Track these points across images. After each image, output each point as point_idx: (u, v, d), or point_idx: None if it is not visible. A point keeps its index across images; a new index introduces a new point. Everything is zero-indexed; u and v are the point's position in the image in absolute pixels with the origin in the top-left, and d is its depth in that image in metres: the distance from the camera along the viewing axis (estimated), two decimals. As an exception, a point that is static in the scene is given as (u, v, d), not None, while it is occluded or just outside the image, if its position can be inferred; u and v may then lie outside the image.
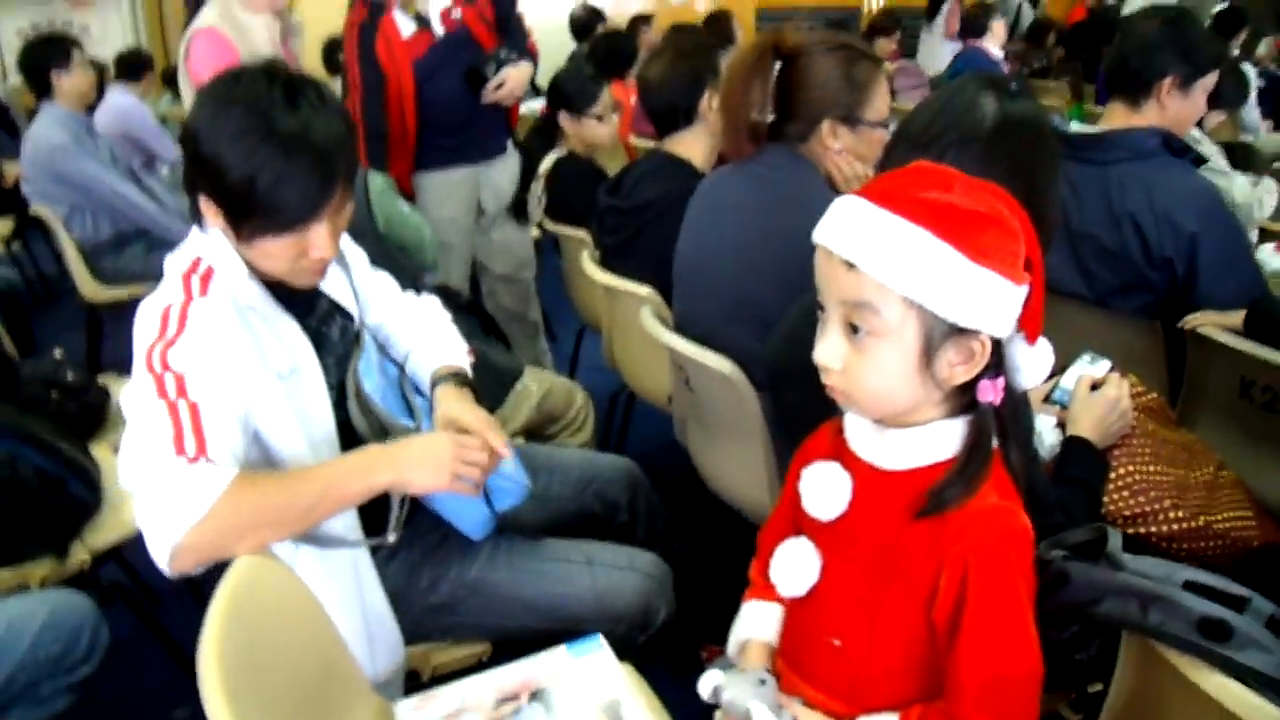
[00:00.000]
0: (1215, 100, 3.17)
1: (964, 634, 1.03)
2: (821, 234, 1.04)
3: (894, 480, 1.08)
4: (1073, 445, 1.56)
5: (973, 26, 5.94)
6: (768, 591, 1.27)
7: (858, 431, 1.12)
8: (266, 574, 1.28)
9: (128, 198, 3.99)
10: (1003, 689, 1.03)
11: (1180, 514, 1.55)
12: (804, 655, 1.18)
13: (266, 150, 1.35)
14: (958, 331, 0.99)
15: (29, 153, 4.06)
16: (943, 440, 1.05)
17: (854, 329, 1.02)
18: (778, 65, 1.88)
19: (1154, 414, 1.71)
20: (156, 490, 1.29)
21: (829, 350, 1.04)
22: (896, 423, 1.07)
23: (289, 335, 1.52)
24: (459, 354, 1.79)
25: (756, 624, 1.27)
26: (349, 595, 1.54)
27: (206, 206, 1.43)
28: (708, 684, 1.17)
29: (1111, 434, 1.59)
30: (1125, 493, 1.56)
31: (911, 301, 0.98)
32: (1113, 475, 1.57)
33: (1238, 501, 1.65)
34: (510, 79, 3.22)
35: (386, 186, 2.46)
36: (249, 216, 1.39)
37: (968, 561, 1.02)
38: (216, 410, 1.35)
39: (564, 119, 3.40)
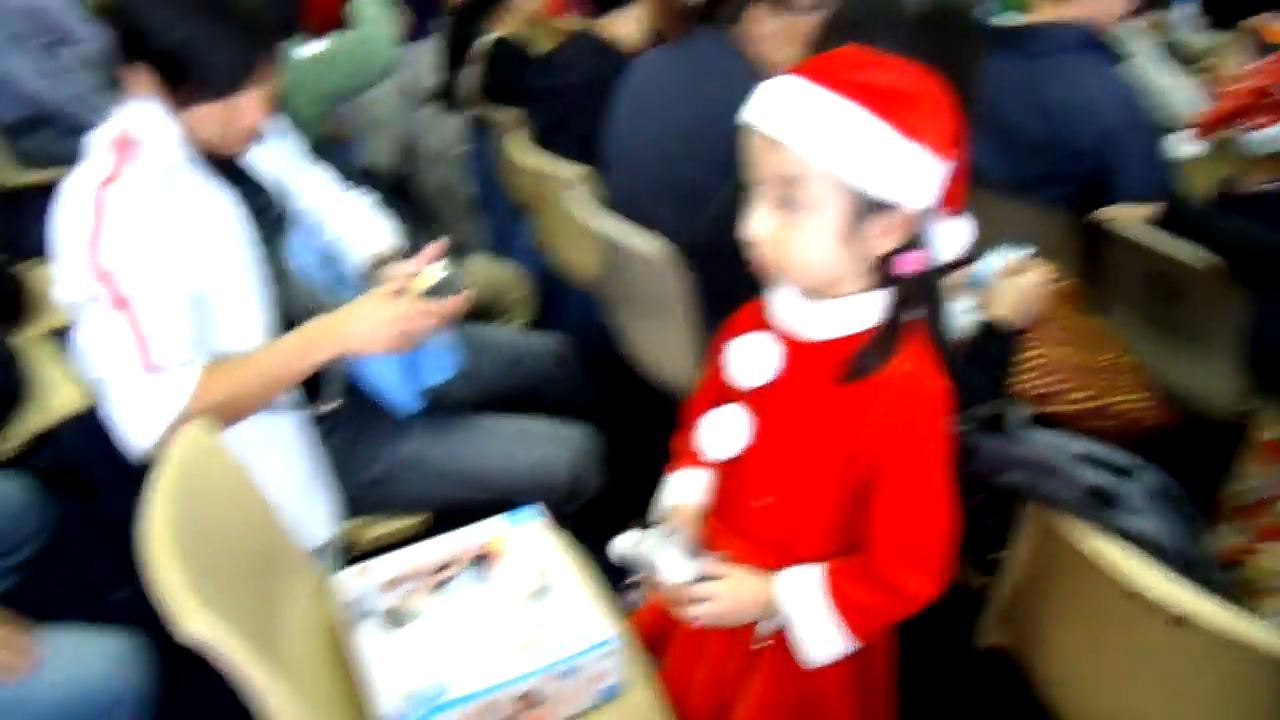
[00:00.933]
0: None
1: (881, 492, 1.09)
2: (751, 113, 1.07)
3: (818, 350, 1.12)
4: (990, 326, 1.62)
5: None
6: (693, 460, 1.33)
7: (782, 303, 1.16)
8: (204, 452, 1.31)
9: (28, 83, 3.81)
10: (917, 542, 1.11)
11: (1081, 395, 1.63)
12: (734, 513, 1.25)
13: (198, 17, 1.36)
14: (882, 205, 1.03)
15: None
16: (864, 311, 1.10)
17: (782, 203, 1.06)
18: None
19: (1065, 299, 1.78)
20: (124, 399, 1.39)
21: (758, 224, 1.08)
22: (821, 295, 1.11)
23: (217, 203, 1.53)
24: (393, 245, 1.81)
25: (683, 490, 1.33)
26: (287, 461, 1.59)
27: (137, 76, 1.43)
28: (624, 543, 1.24)
29: (1029, 314, 1.65)
30: (1035, 373, 1.64)
31: (838, 176, 1.02)
32: (1026, 356, 1.64)
33: (1136, 385, 1.74)
34: None
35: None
36: (182, 83, 1.41)
37: (886, 425, 1.07)
38: (156, 309, 1.39)
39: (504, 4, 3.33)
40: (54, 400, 2.20)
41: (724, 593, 1.19)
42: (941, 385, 1.09)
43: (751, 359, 1.17)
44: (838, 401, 1.11)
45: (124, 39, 1.41)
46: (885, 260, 1.08)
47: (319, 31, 2.83)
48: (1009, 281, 1.63)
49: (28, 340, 2.32)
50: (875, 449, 1.08)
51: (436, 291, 1.58)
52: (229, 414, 1.45)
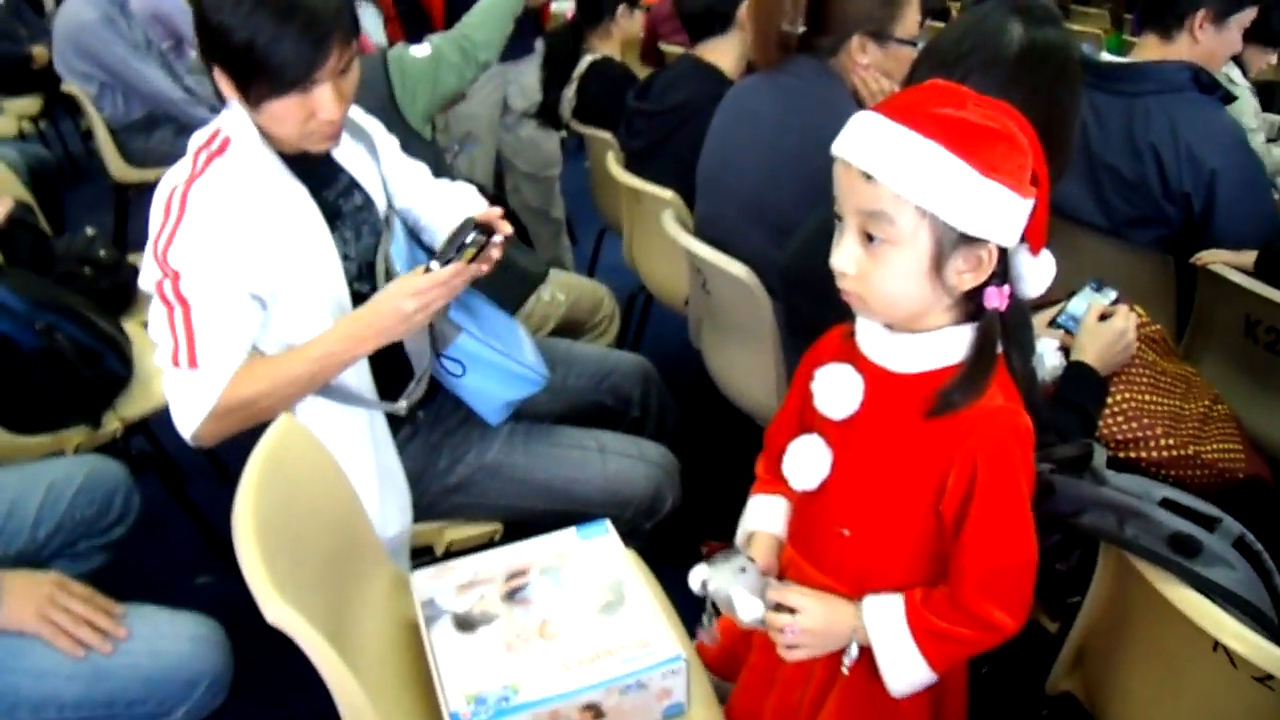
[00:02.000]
0: (1264, 37, 3.15)
1: (969, 525, 1.10)
2: (840, 146, 1.09)
3: (904, 382, 1.13)
4: (1075, 370, 1.61)
5: None
6: (773, 486, 1.34)
7: (869, 336, 1.17)
8: (297, 443, 1.35)
9: (152, 83, 3.99)
10: (1002, 575, 1.11)
11: (1170, 442, 1.60)
12: (814, 544, 1.25)
13: (261, 13, 1.42)
14: (967, 240, 1.04)
15: (60, 28, 4.06)
16: (951, 345, 1.11)
17: (869, 237, 1.07)
18: None
19: (1155, 345, 1.75)
20: (168, 389, 1.48)
21: (846, 256, 1.09)
22: (907, 328, 1.12)
23: (299, 204, 1.58)
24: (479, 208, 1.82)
25: (763, 516, 1.34)
26: (364, 453, 1.63)
27: (220, 78, 1.50)
28: (696, 579, 1.24)
29: (1114, 363, 1.64)
30: (1120, 418, 1.61)
31: (924, 211, 1.03)
32: (1110, 401, 1.62)
33: (1229, 435, 1.70)
34: None
35: (399, 53, 2.46)
36: (253, 79, 1.46)
37: (976, 459, 1.08)
38: (211, 310, 1.46)
39: (604, 25, 3.37)
40: (153, 389, 2.28)
41: (808, 622, 1.19)
42: (1028, 421, 1.10)
43: (837, 390, 1.18)
44: (924, 435, 1.11)
45: (201, 42, 1.49)
46: (970, 296, 1.09)
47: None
48: (1095, 325, 1.62)
49: (131, 329, 2.41)
50: (964, 483, 1.09)
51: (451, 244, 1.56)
52: (267, 407, 1.50)
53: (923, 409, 1.11)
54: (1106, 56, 2.43)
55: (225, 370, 1.47)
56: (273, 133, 1.55)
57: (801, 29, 1.92)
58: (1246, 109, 3.05)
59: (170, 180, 1.50)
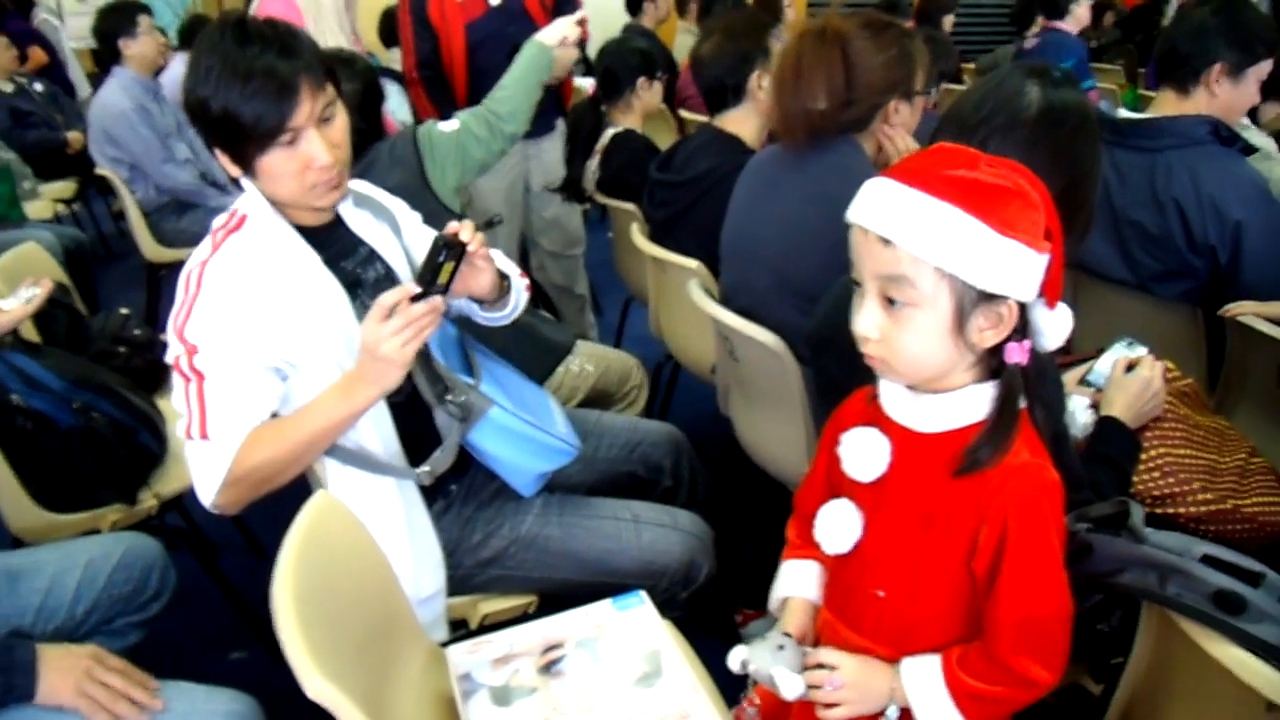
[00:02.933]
0: (1275, 91, 3.17)
1: (1003, 581, 1.09)
2: (856, 213, 1.11)
3: (930, 442, 1.14)
4: (1106, 425, 1.61)
5: (1051, 7, 5.47)
6: (805, 550, 1.34)
7: (893, 397, 1.18)
8: (334, 518, 1.36)
9: (170, 178, 4.13)
10: (1037, 629, 1.11)
11: (1209, 496, 1.59)
12: (850, 606, 1.25)
13: (228, 78, 1.48)
14: (986, 298, 1.06)
15: (95, 114, 4.21)
16: (974, 403, 1.12)
17: (890, 301, 1.09)
18: (830, 53, 1.90)
19: (1188, 399, 1.75)
20: (188, 460, 1.52)
21: (868, 321, 1.11)
22: (930, 388, 1.13)
23: (315, 275, 1.60)
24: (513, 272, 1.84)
25: (796, 582, 1.34)
26: (394, 513, 1.63)
27: (220, 156, 1.57)
28: (735, 659, 1.24)
29: (1144, 414, 1.63)
30: (1155, 474, 1.60)
31: (944, 272, 1.04)
32: (1144, 456, 1.61)
33: (1268, 487, 1.68)
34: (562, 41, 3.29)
35: (439, 125, 2.49)
36: (239, 142, 1.53)
37: (1006, 515, 1.08)
38: (223, 382, 1.50)
39: (625, 99, 3.43)
40: (186, 466, 2.29)
41: (846, 676, 1.19)
42: (1055, 475, 1.11)
43: (864, 453, 1.19)
44: (953, 493, 1.12)
45: (194, 125, 1.57)
46: (991, 353, 1.11)
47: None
48: (1121, 378, 1.63)
49: (165, 406, 2.44)
50: (995, 540, 1.09)
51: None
52: (278, 471, 1.53)
53: (950, 468, 1.12)
54: (1123, 113, 2.45)
55: (235, 441, 1.49)
56: (279, 197, 1.59)
57: (824, 104, 1.93)
58: (1268, 147, 3.06)
59: (191, 261, 1.56)
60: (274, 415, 1.56)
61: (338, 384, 1.53)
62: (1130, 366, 1.66)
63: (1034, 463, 1.10)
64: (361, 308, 1.63)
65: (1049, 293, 1.10)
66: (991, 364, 1.12)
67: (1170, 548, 1.20)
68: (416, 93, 3.52)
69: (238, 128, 1.50)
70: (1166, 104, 2.35)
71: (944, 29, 5.98)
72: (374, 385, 1.48)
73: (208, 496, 1.52)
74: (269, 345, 1.53)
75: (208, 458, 1.49)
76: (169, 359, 1.54)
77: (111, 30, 4.15)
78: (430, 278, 1.46)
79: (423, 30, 3.35)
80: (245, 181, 1.60)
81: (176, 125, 4.23)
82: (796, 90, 1.96)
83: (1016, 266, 1.04)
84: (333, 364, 1.59)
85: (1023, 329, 1.10)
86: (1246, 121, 3.15)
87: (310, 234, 1.63)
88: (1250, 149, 2.32)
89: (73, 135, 5.35)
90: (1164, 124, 2.28)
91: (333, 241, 1.67)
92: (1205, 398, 1.84)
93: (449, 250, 1.48)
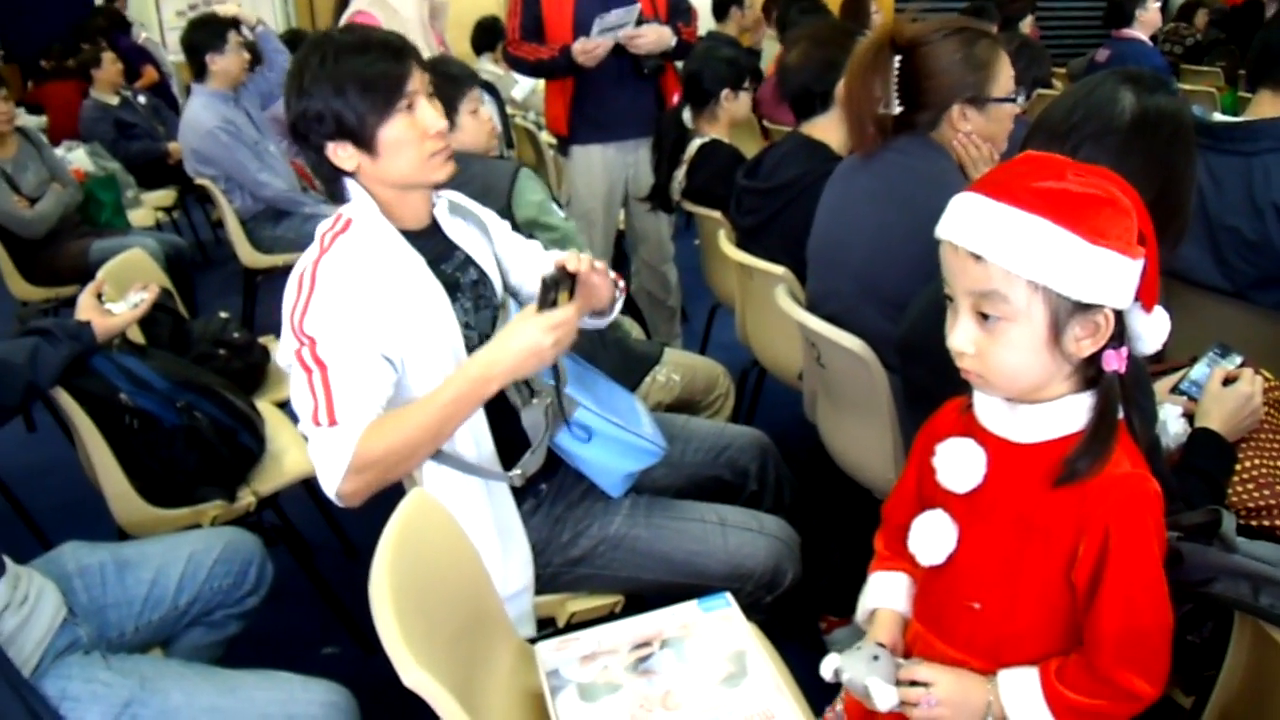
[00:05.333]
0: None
1: (1104, 593, 1.08)
2: (945, 229, 1.11)
3: (1027, 452, 1.13)
4: (1201, 436, 1.58)
5: (1117, 14, 5.22)
6: (894, 562, 1.34)
7: (989, 408, 1.17)
8: (430, 515, 1.39)
9: (267, 188, 4.23)
10: (1139, 642, 1.09)
11: (1306, 508, 1.55)
12: (943, 618, 1.24)
13: (348, 55, 1.57)
14: (1082, 308, 1.05)
15: (183, 133, 4.36)
16: (1073, 413, 1.11)
17: (984, 316, 1.08)
18: (897, 59, 1.90)
19: (1286, 409, 1.71)
20: (312, 451, 1.53)
21: (963, 337, 1.11)
22: (1028, 399, 1.13)
23: (419, 275, 1.65)
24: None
25: (885, 593, 1.34)
26: (482, 510, 1.67)
27: (339, 154, 1.62)
28: (828, 667, 1.24)
29: (1240, 429, 1.60)
30: (1250, 485, 1.57)
31: (1037, 285, 1.04)
32: (1238, 468, 1.58)
33: (1365, 501, 1.64)
34: (648, 31, 3.36)
35: (539, 186, 2.53)
36: (362, 118, 1.59)
37: (1108, 527, 1.07)
38: (347, 370, 1.52)
39: (710, 109, 3.43)
40: (284, 464, 2.38)
41: (942, 693, 1.18)
42: (1156, 486, 1.09)
43: (959, 464, 1.18)
44: (1050, 504, 1.11)
45: (311, 136, 1.63)
46: (1088, 361, 1.10)
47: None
48: (1220, 391, 1.59)
49: (263, 407, 2.52)
50: (1096, 551, 1.08)
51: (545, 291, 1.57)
52: (402, 459, 1.53)
53: (1048, 478, 1.11)
54: (1219, 116, 2.40)
55: (361, 424, 1.50)
56: (399, 174, 1.65)
57: (899, 109, 1.94)
58: None
59: (302, 262, 1.60)
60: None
61: (465, 371, 1.54)
62: (1229, 380, 1.63)
63: (1136, 473, 1.09)
64: (461, 310, 1.68)
65: (1145, 297, 1.09)
66: (1088, 373, 1.11)
67: (1264, 558, 1.19)
68: (513, 58, 3.64)
69: (363, 92, 1.57)
70: (1264, 105, 2.30)
71: (1026, 32, 5.85)
72: (511, 374, 1.54)
73: (333, 483, 1.50)
74: (381, 335, 1.57)
75: (335, 443, 1.49)
76: (284, 358, 1.58)
77: (200, 44, 4.24)
78: (551, 303, 1.53)
79: (530, 11, 3.48)
80: (352, 185, 1.66)
81: (258, 132, 4.34)
82: (852, 96, 1.97)
83: (1110, 275, 1.04)
84: (437, 360, 1.63)
85: (1119, 336, 1.09)
86: None
87: (411, 238, 1.68)
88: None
89: (173, 146, 5.54)
90: (1261, 126, 2.23)
91: (432, 246, 1.72)
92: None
93: (559, 286, 1.55)
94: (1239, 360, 1.68)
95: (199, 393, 2.25)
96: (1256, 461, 1.59)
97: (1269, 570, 1.16)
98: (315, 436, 1.52)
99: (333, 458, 1.49)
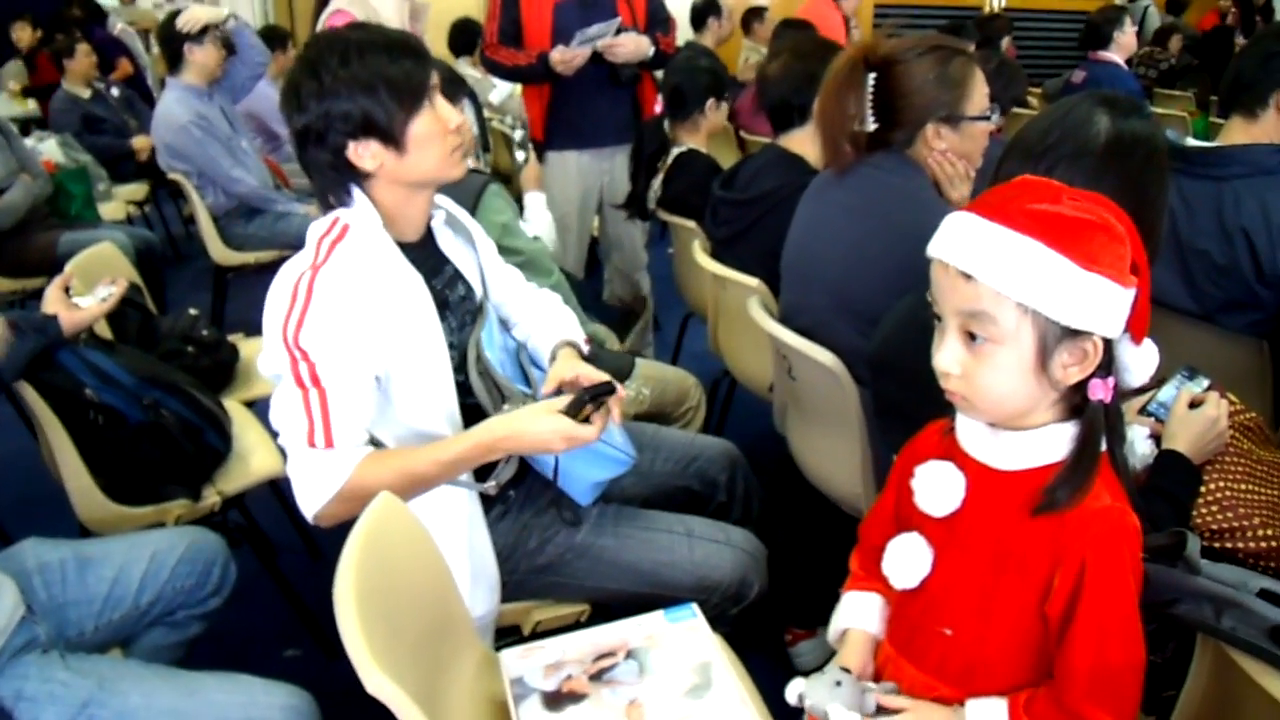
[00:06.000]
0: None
1: (1077, 626, 1.08)
2: (937, 248, 1.10)
3: (1007, 479, 1.13)
4: (1168, 458, 1.59)
5: (1093, 37, 5.27)
6: (868, 582, 1.34)
7: (971, 433, 1.17)
8: (396, 520, 1.38)
9: (240, 184, 4.16)
10: (1111, 677, 1.08)
11: (1269, 532, 1.56)
12: (915, 642, 1.24)
13: (373, 54, 1.56)
14: (1071, 334, 1.05)
15: (156, 127, 4.29)
16: (1055, 442, 1.11)
17: (971, 336, 1.08)
18: (871, 76, 1.91)
19: (1251, 433, 1.72)
20: (297, 469, 1.51)
21: (949, 357, 1.10)
22: (1011, 425, 1.12)
23: (415, 291, 1.64)
24: (577, 335, 1.90)
25: (857, 614, 1.33)
26: (459, 534, 1.66)
27: (362, 153, 1.59)
28: (793, 692, 1.24)
29: (1207, 452, 1.61)
30: (1214, 508, 1.58)
31: (1026, 308, 1.04)
32: (1203, 490, 1.59)
33: (1331, 525, 1.66)
34: (627, 41, 3.38)
35: (506, 204, 2.52)
36: (391, 119, 1.58)
37: (1084, 559, 1.06)
38: (345, 393, 1.51)
39: (693, 119, 3.44)
40: (250, 464, 2.36)
41: None
42: (1136, 521, 1.09)
43: (938, 487, 1.18)
44: (1028, 533, 1.11)
45: (341, 136, 1.58)
46: (1074, 390, 1.10)
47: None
48: (1186, 414, 1.60)
49: (230, 406, 2.50)
50: (1071, 584, 1.07)
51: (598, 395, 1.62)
52: (398, 494, 1.51)
53: (1027, 506, 1.10)
54: (1192, 141, 2.43)
55: (356, 450, 1.52)
56: (423, 171, 1.64)
57: (873, 126, 1.94)
58: None
59: (295, 266, 1.56)
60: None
61: (475, 434, 1.57)
62: (1194, 403, 1.64)
63: (1115, 507, 1.08)
64: (447, 329, 1.68)
65: (1136, 328, 1.09)
66: (1073, 401, 1.11)
67: (1226, 580, 1.19)
68: (490, 62, 3.65)
69: (392, 90, 1.56)
70: (1235, 132, 2.32)
71: (1003, 51, 5.89)
72: (513, 448, 1.58)
73: (316, 505, 1.51)
74: (374, 356, 1.56)
75: (327, 466, 1.50)
76: (270, 367, 1.56)
77: (178, 35, 4.15)
78: (573, 413, 1.56)
79: (512, 3, 3.48)
80: (357, 192, 1.63)
81: (231, 129, 4.30)
82: (826, 113, 1.97)
83: (1101, 302, 1.04)
84: (421, 380, 1.62)
85: (1107, 365, 1.09)
86: None
87: (406, 250, 1.67)
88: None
89: (139, 142, 5.49)
90: (1233, 152, 2.26)
91: (425, 260, 1.71)
92: (1269, 432, 1.81)
93: (596, 403, 1.59)
94: (1206, 383, 1.70)
95: (166, 390, 2.23)
96: (1221, 484, 1.61)
97: (1231, 593, 1.17)
98: (306, 457, 1.51)
99: (323, 480, 1.50)
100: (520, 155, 3.23)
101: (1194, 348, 2.24)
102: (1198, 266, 2.25)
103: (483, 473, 1.67)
